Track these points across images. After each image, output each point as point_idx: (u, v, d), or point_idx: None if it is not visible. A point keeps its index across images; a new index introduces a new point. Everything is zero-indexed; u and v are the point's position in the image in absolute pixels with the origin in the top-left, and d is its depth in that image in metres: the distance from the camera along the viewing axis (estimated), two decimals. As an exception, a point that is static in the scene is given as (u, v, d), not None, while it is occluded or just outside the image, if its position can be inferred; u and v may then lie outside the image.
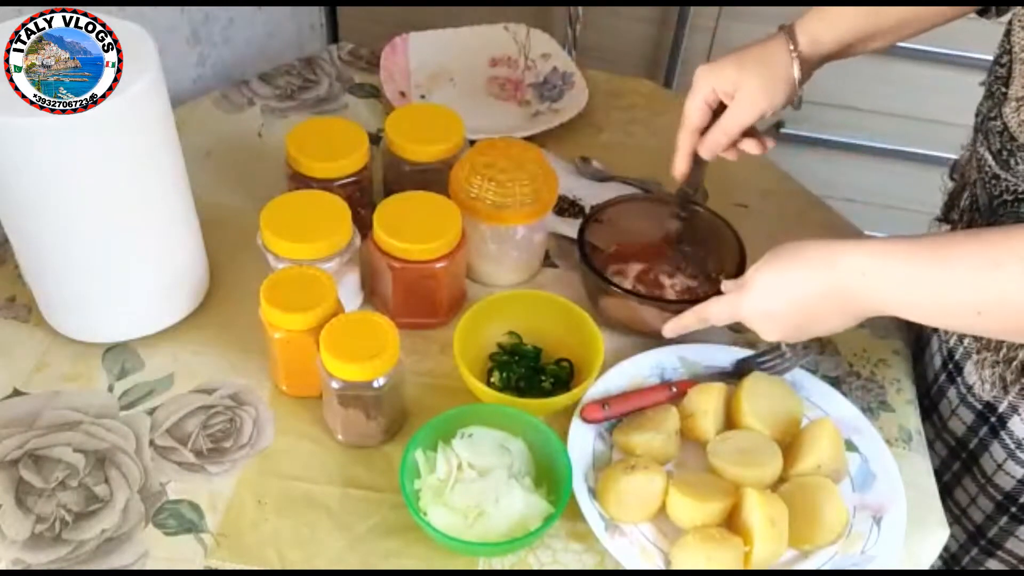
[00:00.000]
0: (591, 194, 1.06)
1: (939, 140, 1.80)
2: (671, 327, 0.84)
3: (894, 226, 1.71)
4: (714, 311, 0.80)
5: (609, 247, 0.96)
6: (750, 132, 0.87)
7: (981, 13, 0.82)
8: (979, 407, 0.84)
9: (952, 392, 0.88)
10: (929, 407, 0.92)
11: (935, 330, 0.92)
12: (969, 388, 0.85)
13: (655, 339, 0.88)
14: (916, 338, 0.97)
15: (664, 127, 0.90)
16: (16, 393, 0.82)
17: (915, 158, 1.84)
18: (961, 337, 0.86)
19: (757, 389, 0.81)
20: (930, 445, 0.87)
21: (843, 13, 0.82)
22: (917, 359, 0.95)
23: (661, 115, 1.19)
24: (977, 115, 0.82)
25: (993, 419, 0.83)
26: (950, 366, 0.88)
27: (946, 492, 0.88)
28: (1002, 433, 0.82)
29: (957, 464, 0.89)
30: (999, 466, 0.83)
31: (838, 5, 0.83)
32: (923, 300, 0.66)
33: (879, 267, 0.67)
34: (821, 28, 0.82)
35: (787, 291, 0.72)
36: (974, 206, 0.83)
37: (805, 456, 0.77)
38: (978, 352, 0.82)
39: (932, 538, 0.78)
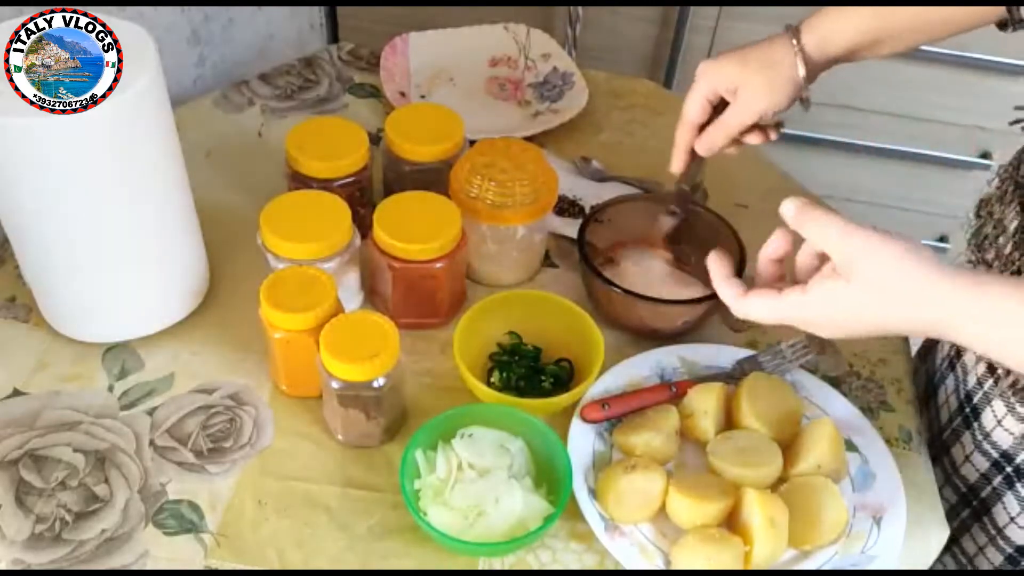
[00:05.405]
0: (591, 194, 1.06)
1: (939, 140, 1.80)
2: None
3: (893, 226, 1.70)
4: (754, 308, 0.67)
5: (609, 247, 0.96)
6: (752, 127, 0.84)
7: (1001, 26, 0.78)
8: (995, 455, 0.81)
9: (967, 436, 0.84)
10: (940, 450, 0.88)
11: (951, 370, 0.88)
12: (987, 435, 0.81)
13: (655, 339, 0.87)
14: (928, 379, 0.94)
15: (664, 127, 0.90)
16: (16, 393, 0.82)
17: (915, 158, 1.84)
18: (980, 380, 0.82)
19: (757, 389, 0.81)
20: (939, 490, 0.82)
21: (852, 14, 0.79)
22: (930, 400, 0.92)
23: (661, 115, 1.19)
24: None
25: (1009, 469, 0.80)
26: (967, 409, 0.84)
27: (951, 540, 0.82)
28: (1018, 485, 0.79)
29: (967, 511, 0.86)
30: (1012, 519, 0.80)
31: (846, 5, 0.79)
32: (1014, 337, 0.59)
33: (988, 313, 0.59)
34: (829, 28, 0.79)
35: (874, 323, 0.63)
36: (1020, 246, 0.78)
37: (805, 456, 0.77)
38: (1002, 397, 0.78)
39: (932, 538, 0.78)
